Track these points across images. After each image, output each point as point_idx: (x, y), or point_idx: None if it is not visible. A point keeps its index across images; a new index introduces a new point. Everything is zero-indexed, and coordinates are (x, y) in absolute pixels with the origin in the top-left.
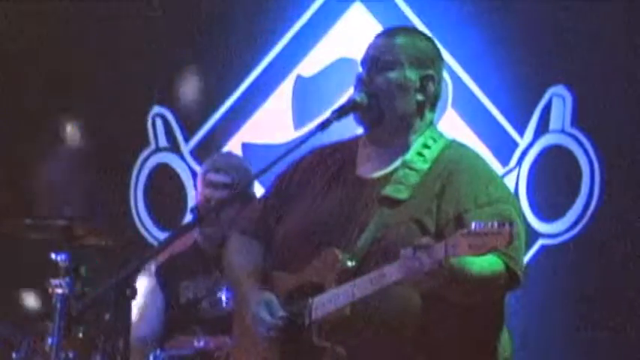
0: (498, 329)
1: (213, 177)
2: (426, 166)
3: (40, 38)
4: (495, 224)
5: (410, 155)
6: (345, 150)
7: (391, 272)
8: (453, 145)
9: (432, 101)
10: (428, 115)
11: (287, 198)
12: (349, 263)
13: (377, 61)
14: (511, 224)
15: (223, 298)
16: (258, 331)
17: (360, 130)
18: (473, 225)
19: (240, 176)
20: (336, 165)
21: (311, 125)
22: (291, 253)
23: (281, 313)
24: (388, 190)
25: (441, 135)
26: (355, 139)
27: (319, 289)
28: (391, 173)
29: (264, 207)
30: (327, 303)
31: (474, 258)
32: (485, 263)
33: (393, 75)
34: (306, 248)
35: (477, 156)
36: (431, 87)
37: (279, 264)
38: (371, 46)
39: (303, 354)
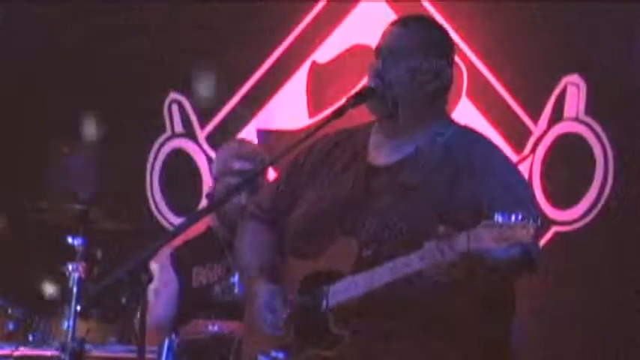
0: (511, 318)
1: (238, 165)
2: (439, 153)
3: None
4: (520, 217)
5: (423, 142)
6: (357, 137)
7: (413, 262)
8: (465, 131)
9: (446, 88)
10: (441, 102)
11: (299, 185)
12: (365, 252)
13: (392, 50)
14: (536, 219)
15: (235, 283)
16: (264, 328)
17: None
18: (496, 217)
19: (260, 164)
20: (349, 152)
21: (326, 112)
22: (305, 240)
23: (284, 310)
24: (401, 177)
25: (452, 121)
26: (367, 126)
27: (335, 276)
28: (404, 160)
29: (276, 193)
30: (344, 291)
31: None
32: (503, 252)
33: (407, 64)
34: (320, 235)
35: (489, 141)
36: (445, 75)
37: (293, 250)
38: (385, 35)
39: (320, 340)
